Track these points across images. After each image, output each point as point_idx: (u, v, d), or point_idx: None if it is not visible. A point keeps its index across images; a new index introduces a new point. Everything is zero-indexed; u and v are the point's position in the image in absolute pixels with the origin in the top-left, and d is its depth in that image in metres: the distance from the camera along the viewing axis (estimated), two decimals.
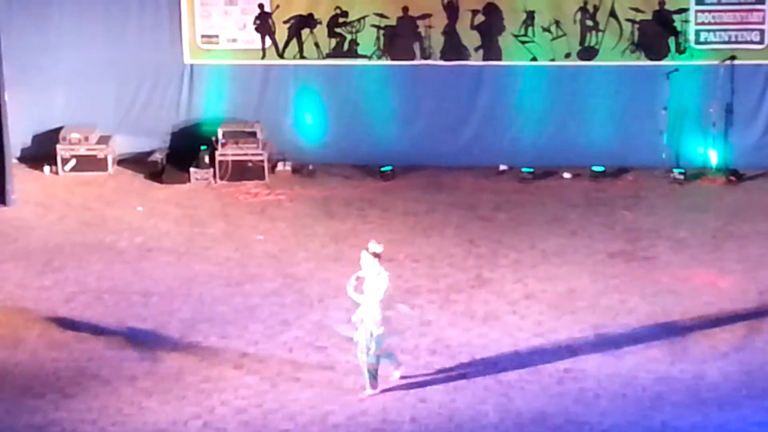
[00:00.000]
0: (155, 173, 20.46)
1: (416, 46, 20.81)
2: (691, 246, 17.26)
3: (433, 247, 17.26)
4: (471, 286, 15.86)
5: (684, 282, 15.93)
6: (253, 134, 20.38)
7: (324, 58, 20.90)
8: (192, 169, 20.19)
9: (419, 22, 20.72)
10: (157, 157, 20.83)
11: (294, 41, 20.93)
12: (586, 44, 20.56)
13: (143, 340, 14.37)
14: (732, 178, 19.92)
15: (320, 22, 20.82)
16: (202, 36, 21.00)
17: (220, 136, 20.31)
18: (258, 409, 12.78)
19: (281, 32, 20.93)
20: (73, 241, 17.59)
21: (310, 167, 20.63)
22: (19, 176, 19.60)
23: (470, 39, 20.67)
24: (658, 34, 20.40)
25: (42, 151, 20.73)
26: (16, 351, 14.16)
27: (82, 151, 20.54)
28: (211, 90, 21.11)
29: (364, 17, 20.77)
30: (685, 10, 20.30)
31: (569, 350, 14.04)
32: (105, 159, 20.59)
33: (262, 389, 13.20)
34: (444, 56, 20.76)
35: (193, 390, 13.19)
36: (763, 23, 20.23)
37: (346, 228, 18.10)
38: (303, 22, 20.85)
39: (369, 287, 12.94)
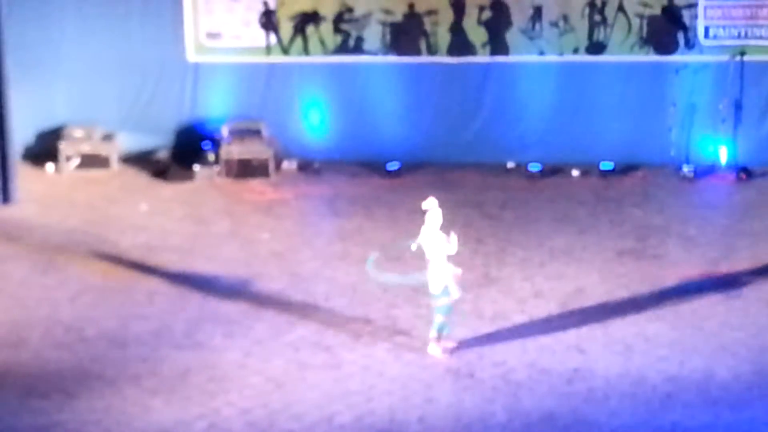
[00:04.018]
0: (160, 171, 20.34)
1: (422, 43, 20.70)
2: (701, 244, 17.14)
3: None
4: (479, 284, 15.73)
5: (694, 280, 15.78)
6: (259, 132, 20.29)
7: (329, 54, 20.79)
8: (196, 166, 20.09)
9: (425, 19, 20.63)
10: (162, 155, 20.72)
11: (299, 38, 20.82)
12: (595, 39, 20.44)
13: (148, 340, 14.25)
14: (742, 175, 19.80)
15: (325, 19, 20.73)
16: (206, 33, 20.90)
17: (224, 133, 20.20)
18: (263, 410, 12.65)
19: (286, 29, 20.82)
20: (77, 239, 17.48)
21: (316, 165, 20.53)
22: (22, 174, 19.51)
23: (477, 35, 20.56)
24: (667, 29, 20.28)
25: (45, 149, 20.64)
26: (19, 351, 14.04)
27: (85, 148, 20.44)
28: (215, 87, 21.02)
29: (369, 14, 20.66)
30: (694, 5, 20.19)
31: (578, 349, 13.91)
32: (109, 157, 20.49)
33: (268, 389, 13.06)
34: (450, 52, 20.65)
35: (198, 390, 13.06)
36: None
37: (352, 226, 17.98)
38: (308, 19, 20.75)
39: (436, 244, 13.64)
